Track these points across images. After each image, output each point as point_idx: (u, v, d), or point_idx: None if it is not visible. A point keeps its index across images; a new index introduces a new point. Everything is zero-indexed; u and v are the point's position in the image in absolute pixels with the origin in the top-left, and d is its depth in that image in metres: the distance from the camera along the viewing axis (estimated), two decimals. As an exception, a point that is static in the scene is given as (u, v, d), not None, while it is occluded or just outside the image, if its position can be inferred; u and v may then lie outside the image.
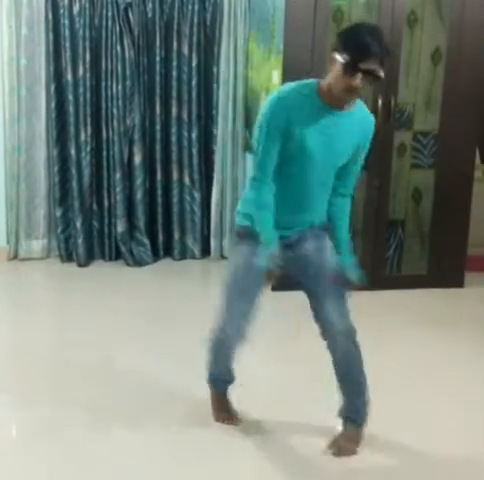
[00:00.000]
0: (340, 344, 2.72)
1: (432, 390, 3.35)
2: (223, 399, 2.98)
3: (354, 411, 2.78)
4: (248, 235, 2.63)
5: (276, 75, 4.49)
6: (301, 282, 2.76)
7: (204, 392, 2.99)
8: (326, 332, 2.73)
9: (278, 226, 2.57)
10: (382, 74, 2.36)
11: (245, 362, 3.57)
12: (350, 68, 2.32)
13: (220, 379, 2.96)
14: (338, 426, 2.82)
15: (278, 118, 2.46)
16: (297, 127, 2.46)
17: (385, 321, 4.24)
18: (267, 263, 2.52)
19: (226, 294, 2.74)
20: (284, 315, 4.36)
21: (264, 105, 2.53)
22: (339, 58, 2.34)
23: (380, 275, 4.71)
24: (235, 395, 3.00)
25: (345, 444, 2.76)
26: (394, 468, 2.71)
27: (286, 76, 4.36)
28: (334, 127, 2.50)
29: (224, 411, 2.96)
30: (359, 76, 2.33)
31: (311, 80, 2.55)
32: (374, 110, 4.43)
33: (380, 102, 4.43)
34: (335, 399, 3.05)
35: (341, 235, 2.71)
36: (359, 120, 2.56)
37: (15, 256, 5.16)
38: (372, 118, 2.65)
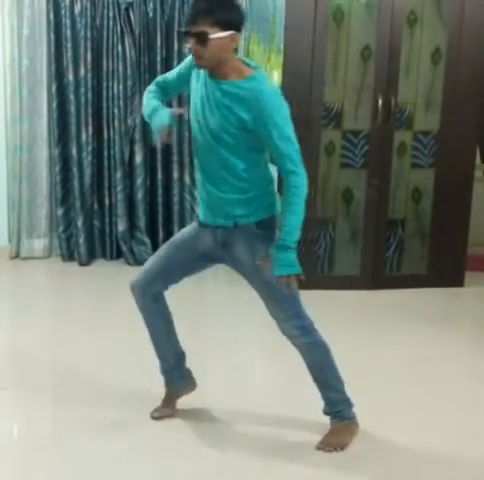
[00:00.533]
0: (293, 343, 2.77)
1: (432, 389, 3.35)
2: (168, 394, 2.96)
3: (330, 405, 2.81)
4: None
5: (276, 75, 4.50)
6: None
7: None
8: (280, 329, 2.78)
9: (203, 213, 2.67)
10: (212, 34, 2.38)
11: (251, 359, 3.61)
12: (185, 34, 2.46)
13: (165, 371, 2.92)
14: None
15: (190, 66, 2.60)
16: (190, 91, 2.60)
17: (385, 320, 4.24)
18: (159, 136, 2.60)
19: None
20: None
21: None
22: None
23: (380, 275, 4.71)
24: (233, 391, 2.99)
25: (328, 439, 2.78)
26: (393, 466, 2.72)
27: (286, 76, 4.38)
28: (212, 97, 2.51)
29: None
30: (191, 40, 2.42)
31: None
32: (374, 110, 4.46)
33: (380, 102, 4.44)
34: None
35: (283, 220, 2.56)
36: (243, 91, 2.46)
37: (17, 255, 5.18)
38: (264, 90, 2.47)
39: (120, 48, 4.93)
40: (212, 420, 2.96)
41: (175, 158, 5.20)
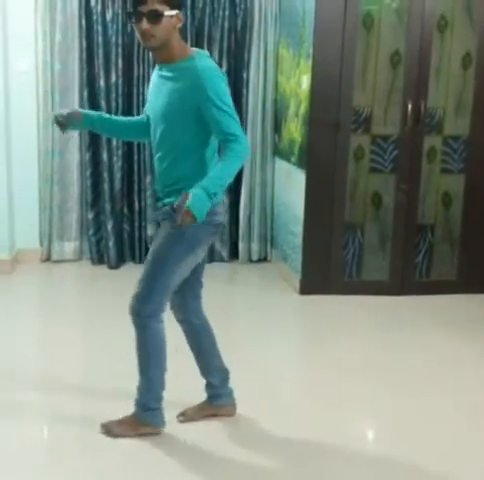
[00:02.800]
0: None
1: (461, 394, 3.34)
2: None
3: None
4: None
5: (305, 79, 4.51)
6: None
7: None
8: None
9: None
10: (164, 11, 2.45)
11: (269, 364, 3.62)
12: (134, 15, 2.48)
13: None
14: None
15: None
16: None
17: (414, 326, 4.22)
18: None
19: None
20: (310, 318, 4.37)
21: None
22: (129, 10, 2.52)
23: (409, 280, 4.69)
24: (258, 395, 3.00)
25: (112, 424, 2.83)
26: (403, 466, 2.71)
27: (316, 80, 4.39)
28: (158, 81, 2.62)
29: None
30: (144, 20, 2.46)
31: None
32: (404, 114, 4.44)
33: (410, 106, 4.42)
34: (352, 404, 3.07)
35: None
36: (181, 71, 2.54)
37: (48, 258, 5.25)
38: (199, 66, 2.52)
39: (150, 54, 4.96)
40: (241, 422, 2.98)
41: (204, 162, 5.22)
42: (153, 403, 2.79)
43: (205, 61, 2.59)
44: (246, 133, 5.20)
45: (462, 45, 4.46)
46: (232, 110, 2.59)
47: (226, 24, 5.08)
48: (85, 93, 5.04)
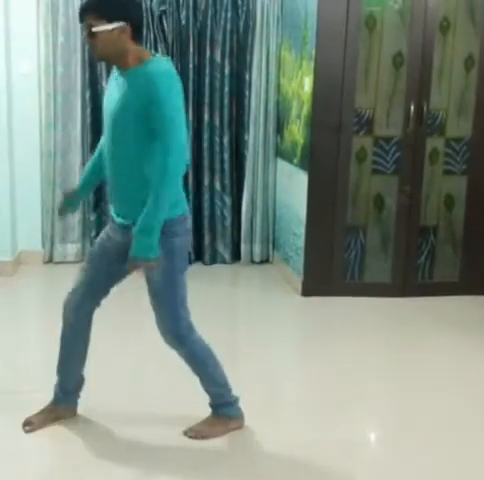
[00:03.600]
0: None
1: (460, 396, 3.34)
2: (53, 410, 2.92)
3: (214, 397, 2.86)
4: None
5: (308, 81, 4.51)
6: None
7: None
8: None
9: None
10: (99, 27, 2.44)
11: (271, 365, 3.62)
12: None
13: (60, 389, 2.92)
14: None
15: None
16: None
17: (416, 328, 4.22)
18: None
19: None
20: (312, 320, 4.37)
21: None
22: None
23: (411, 282, 4.69)
24: (261, 398, 2.99)
25: (200, 427, 2.85)
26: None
27: (318, 82, 4.39)
28: (111, 89, 2.60)
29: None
30: (84, 34, 2.59)
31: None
32: (406, 116, 4.44)
33: (412, 108, 4.42)
34: (357, 404, 3.07)
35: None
36: (133, 78, 2.48)
37: (50, 259, 5.26)
38: (148, 71, 2.45)
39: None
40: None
41: (206, 163, 5.23)
42: (229, 396, 2.86)
43: (158, 66, 2.48)
44: (249, 134, 5.22)
45: (465, 47, 4.46)
46: (180, 122, 2.44)
47: (228, 26, 5.08)
48: (87, 95, 5.04)
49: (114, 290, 2.84)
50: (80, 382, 2.94)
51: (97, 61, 2.62)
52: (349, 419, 3.09)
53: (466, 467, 2.74)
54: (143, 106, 2.43)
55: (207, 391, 2.85)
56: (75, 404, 2.97)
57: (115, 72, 2.60)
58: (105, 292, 2.82)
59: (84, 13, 2.49)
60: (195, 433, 2.83)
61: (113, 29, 2.44)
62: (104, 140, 2.68)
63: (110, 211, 2.76)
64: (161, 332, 2.70)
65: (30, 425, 2.86)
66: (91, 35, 2.47)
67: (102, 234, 2.80)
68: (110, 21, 2.44)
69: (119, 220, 2.66)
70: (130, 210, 2.56)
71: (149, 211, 2.44)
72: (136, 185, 2.54)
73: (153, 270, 2.53)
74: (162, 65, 2.51)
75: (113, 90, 2.57)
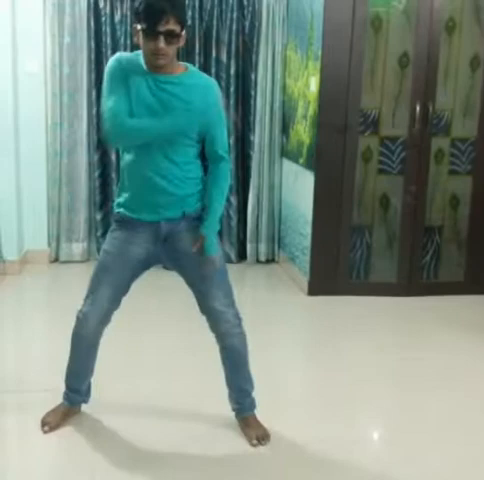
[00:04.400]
0: (230, 332, 2.76)
1: (464, 395, 3.35)
2: (67, 410, 2.92)
3: (247, 396, 2.86)
4: (122, 221, 2.69)
5: (314, 81, 4.52)
6: (182, 275, 2.78)
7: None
8: (215, 322, 2.75)
9: (133, 208, 2.64)
10: (180, 31, 2.44)
11: (277, 364, 3.63)
12: (150, 32, 2.41)
13: (74, 392, 2.91)
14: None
15: (120, 71, 2.53)
16: (132, 90, 2.52)
17: (421, 327, 4.24)
18: None
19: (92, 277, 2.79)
20: (318, 319, 4.39)
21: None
22: (138, 27, 2.44)
23: (417, 281, 4.71)
24: (267, 398, 3.01)
25: (256, 432, 2.83)
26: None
27: (324, 82, 4.40)
28: (162, 93, 2.52)
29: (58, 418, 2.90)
30: (161, 38, 2.40)
31: (137, 51, 2.62)
32: (412, 116, 4.46)
33: (418, 108, 4.44)
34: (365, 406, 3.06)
35: (209, 203, 2.65)
36: (191, 85, 2.54)
37: (56, 259, 5.28)
38: (208, 80, 2.63)
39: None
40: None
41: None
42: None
43: (204, 74, 2.67)
44: (255, 134, 5.24)
45: (470, 47, 4.48)
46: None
47: (234, 26, 5.10)
48: (93, 95, 5.06)
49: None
50: (91, 379, 2.95)
51: (159, 68, 2.52)
52: (354, 417, 3.11)
53: (471, 466, 2.74)
54: (207, 109, 2.56)
55: (239, 391, 2.85)
56: (88, 398, 2.98)
57: (154, 79, 2.51)
58: (126, 294, 2.82)
59: (167, 16, 2.40)
60: (261, 440, 2.81)
61: (183, 34, 2.49)
62: (144, 145, 2.58)
63: (128, 213, 2.66)
64: (226, 307, 2.71)
65: (48, 425, 2.86)
66: (172, 40, 2.42)
67: (114, 242, 2.70)
68: (183, 26, 2.46)
69: (152, 217, 2.63)
70: (179, 205, 2.63)
71: (217, 212, 2.66)
72: (189, 182, 2.63)
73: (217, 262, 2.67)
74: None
75: (160, 96, 2.51)
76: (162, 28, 2.40)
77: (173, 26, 2.41)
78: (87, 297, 2.76)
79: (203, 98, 2.55)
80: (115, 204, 2.73)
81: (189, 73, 2.58)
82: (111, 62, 2.57)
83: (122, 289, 2.74)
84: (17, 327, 4.11)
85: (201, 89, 2.56)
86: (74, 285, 5.06)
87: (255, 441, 2.80)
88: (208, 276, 2.68)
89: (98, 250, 5.23)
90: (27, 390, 3.25)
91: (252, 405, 2.88)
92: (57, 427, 2.87)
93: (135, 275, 2.76)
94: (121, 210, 2.68)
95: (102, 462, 2.67)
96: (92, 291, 2.75)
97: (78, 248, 5.27)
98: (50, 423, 2.86)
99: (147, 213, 2.63)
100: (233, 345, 2.78)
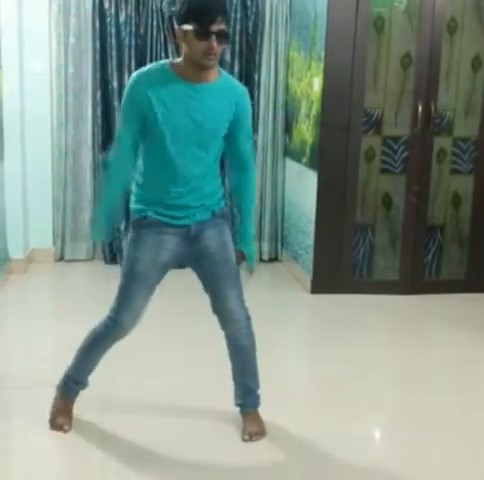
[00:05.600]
0: (240, 332, 2.78)
1: (466, 393, 3.38)
2: (70, 404, 2.93)
3: (252, 394, 2.89)
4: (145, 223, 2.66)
5: (317, 82, 4.56)
6: (198, 273, 2.78)
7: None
8: (227, 321, 2.77)
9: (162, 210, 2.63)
10: (228, 31, 2.48)
11: (281, 363, 3.66)
12: (203, 32, 2.40)
13: (76, 382, 2.91)
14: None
15: (136, 93, 2.54)
16: (155, 101, 2.51)
17: (423, 325, 4.27)
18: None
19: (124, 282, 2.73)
20: (321, 317, 4.42)
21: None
22: (189, 27, 2.43)
23: (419, 280, 4.74)
24: (270, 395, 3.04)
25: (253, 428, 2.86)
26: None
27: (327, 82, 4.44)
28: (195, 99, 2.53)
29: (65, 416, 2.90)
30: (213, 38, 2.40)
31: (161, 61, 2.67)
32: (414, 116, 4.50)
33: (420, 108, 4.47)
34: (369, 402, 3.09)
35: (241, 214, 2.73)
36: (227, 90, 2.58)
37: (61, 257, 5.31)
38: (242, 87, 2.68)
39: (163, 56, 5.02)
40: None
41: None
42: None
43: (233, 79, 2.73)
44: (258, 134, 5.28)
45: (472, 47, 4.51)
46: None
47: (237, 27, 5.12)
48: (98, 95, 5.09)
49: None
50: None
51: (206, 67, 2.52)
52: (357, 414, 3.12)
53: (473, 465, 2.76)
54: (238, 117, 2.62)
55: (245, 388, 2.87)
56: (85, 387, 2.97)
57: (187, 85, 2.52)
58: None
59: (219, 15, 2.42)
60: (253, 436, 2.84)
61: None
62: (177, 149, 2.57)
63: (163, 219, 2.64)
64: (238, 306, 2.74)
65: (65, 425, 2.86)
66: (224, 40, 2.44)
67: (145, 249, 2.65)
68: (228, 25, 2.52)
69: (185, 221, 2.64)
70: (209, 205, 2.67)
71: (252, 219, 2.80)
72: (217, 183, 2.70)
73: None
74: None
75: (190, 99, 2.52)
76: (215, 28, 2.41)
77: (224, 26, 2.43)
78: (121, 303, 2.71)
79: (237, 101, 2.59)
80: (137, 208, 2.68)
81: (222, 78, 2.59)
82: (131, 80, 2.57)
83: (152, 291, 2.75)
84: (22, 325, 4.14)
85: (236, 94, 2.60)
86: (79, 283, 5.11)
87: (247, 436, 2.83)
88: (225, 276, 2.71)
89: (102, 249, 5.30)
90: (32, 387, 3.28)
91: (255, 402, 2.91)
92: (71, 423, 2.89)
93: (163, 276, 2.76)
94: (149, 214, 2.65)
95: (108, 457, 2.71)
96: (127, 298, 2.70)
97: (83, 247, 5.31)
98: (65, 423, 2.87)
99: (179, 217, 2.65)
100: (242, 345, 2.81)
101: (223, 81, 2.58)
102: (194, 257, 2.73)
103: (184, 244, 2.67)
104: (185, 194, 2.62)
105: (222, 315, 2.76)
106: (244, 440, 2.83)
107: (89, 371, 2.91)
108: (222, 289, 2.72)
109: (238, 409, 2.93)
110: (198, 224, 2.66)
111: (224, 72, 2.65)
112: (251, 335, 2.83)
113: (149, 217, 2.63)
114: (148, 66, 2.63)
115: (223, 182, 2.77)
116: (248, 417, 2.90)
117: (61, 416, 2.89)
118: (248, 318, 2.80)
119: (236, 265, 2.73)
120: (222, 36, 2.43)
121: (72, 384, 2.92)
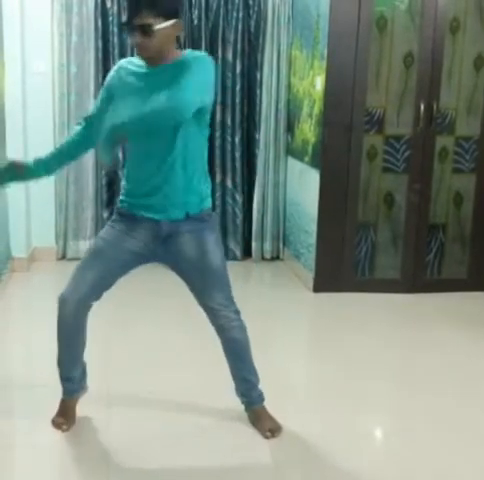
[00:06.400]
0: (230, 324, 2.77)
1: (468, 392, 3.38)
2: (70, 404, 2.91)
3: (253, 388, 2.88)
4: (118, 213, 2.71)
5: (319, 81, 4.57)
6: (178, 275, 2.77)
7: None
8: (214, 318, 2.77)
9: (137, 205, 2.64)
10: (156, 25, 2.39)
11: (282, 361, 3.67)
12: (127, 28, 2.46)
13: (64, 379, 2.87)
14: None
15: (110, 79, 2.63)
16: (116, 94, 2.56)
17: (425, 324, 4.27)
18: None
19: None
20: (323, 315, 4.43)
21: None
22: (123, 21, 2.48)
23: (421, 278, 4.75)
24: (271, 393, 3.04)
25: (269, 424, 2.86)
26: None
27: (329, 81, 4.45)
28: (149, 86, 2.47)
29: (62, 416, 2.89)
30: (136, 34, 2.42)
31: None
32: (416, 115, 4.50)
33: (422, 107, 4.48)
34: (372, 399, 3.09)
35: None
36: (181, 66, 2.45)
37: (63, 256, 5.32)
38: (200, 55, 2.56)
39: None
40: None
41: (217, 162, 5.29)
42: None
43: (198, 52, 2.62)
44: (260, 132, 5.29)
45: (474, 47, 4.51)
46: None
47: (240, 26, 5.14)
48: (100, 94, 5.10)
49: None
50: (84, 367, 2.93)
51: (143, 59, 2.51)
52: (358, 413, 3.13)
53: (473, 464, 2.76)
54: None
55: (244, 382, 2.87)
56: (86, 387, 2.95)
57: (134, 68, 2.55)
58: (110, 287, 2.77)
59: (142, 9, 2.39)
60: (274, 432, 2.85)
61: (168, 26, 2.43)
62: (143, 141, 2.55)
63: (135, 210, 2.65)
64: (223, 306, 2.73)
65: (64, 424, 2.87)
66: (147, 34, 2.40)
67: (112, 232, 2.68)
68: (168, 18, 2.43)
69: (154, 216, 2.61)
70: (180, 203, 2.61)
71: None
72: (198, 174, 2.66)
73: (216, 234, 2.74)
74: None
75: (143, 88, 2.48)
76: (138, 22, 2.40)
77: (150, 19, 2.39)
78: (71, 276, 2.73)
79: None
80: (120, 199, 2.74)
81: (182, 57, 2.51)
82: (115, 66, 2.65)
83: (107, 280, 2.70)
84: (25, 323, 4.15)
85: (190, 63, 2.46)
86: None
87: (268, 433, 2.83)
88: (206, 283, 2.70)
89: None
90: (34, 386, 3.28)
91: (260, 398, 2.91)
92: (73, 423, 2.89)
93: (125, 268, 2.72)
94: (125, 204, 2.68)
95: (110, 455, 2.71)
96: (76, 274, 2.71)
97: (85, 245, 5.28)
98: (64, 423, 2.87)
99: (149, 210, 2.63)
100: (233, 337, 2.80)
101: (181, 59, 2.48)
102: (170, 259, 2.70)
103: (155, 240, 2.63)
104: (152, 188, 2.59)
105: (208, 313, 2.77)
106: (267, 437, 2.82)
107: (69, 364, 2.85)
108: (206, 292, 2.72)
109: (243, 407, 2.93)
110: (171, 223, 2.61)
111: (190, 51, 2.57)
112: (241, 327, 2.80)
113: (124, 208, 2.66)
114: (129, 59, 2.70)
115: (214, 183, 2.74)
116: (259, 414, 2.89)
117: (61, 416, 2.90)
118: (237, 313, 2.79)
119: (220, 269, 2.70)
120: (145, 30, 2.40)
121: (62, 382, 2.89)
